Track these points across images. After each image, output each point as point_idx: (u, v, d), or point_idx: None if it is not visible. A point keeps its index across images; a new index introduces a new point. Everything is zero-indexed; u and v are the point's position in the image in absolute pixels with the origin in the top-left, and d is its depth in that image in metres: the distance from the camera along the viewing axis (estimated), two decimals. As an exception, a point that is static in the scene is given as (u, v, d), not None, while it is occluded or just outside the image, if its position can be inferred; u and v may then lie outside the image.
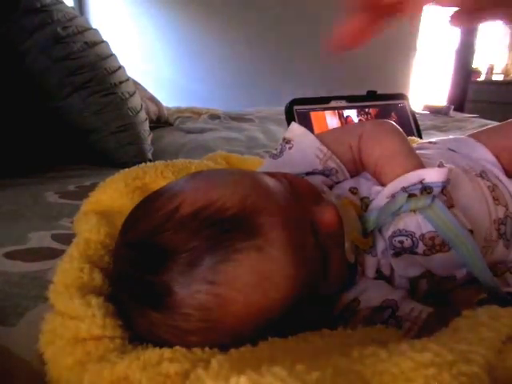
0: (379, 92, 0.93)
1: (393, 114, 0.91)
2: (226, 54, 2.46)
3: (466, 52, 2.32)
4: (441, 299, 0.41)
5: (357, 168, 0.44)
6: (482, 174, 0.44)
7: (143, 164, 0.51)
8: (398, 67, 2.62)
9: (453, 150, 0.50)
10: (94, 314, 0.29)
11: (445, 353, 0.21)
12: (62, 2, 1.02)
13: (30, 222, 0.58)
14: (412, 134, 0.91)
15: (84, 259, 0.35)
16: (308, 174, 0.42)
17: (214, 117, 1.60)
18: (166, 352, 0.27)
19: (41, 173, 0.90)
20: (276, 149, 0.46)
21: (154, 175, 0.48)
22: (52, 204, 0.67)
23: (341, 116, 0.89)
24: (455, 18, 0.28)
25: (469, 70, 2.43)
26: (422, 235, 0.36)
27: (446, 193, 0.38)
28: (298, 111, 0.85)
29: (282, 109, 0.87)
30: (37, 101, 0.93)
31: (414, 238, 0.36)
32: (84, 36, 0.98)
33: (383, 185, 0.39)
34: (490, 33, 2.79)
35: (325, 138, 0.44)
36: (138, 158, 0.95)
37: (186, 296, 0.27)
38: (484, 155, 0.49)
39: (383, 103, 0.92)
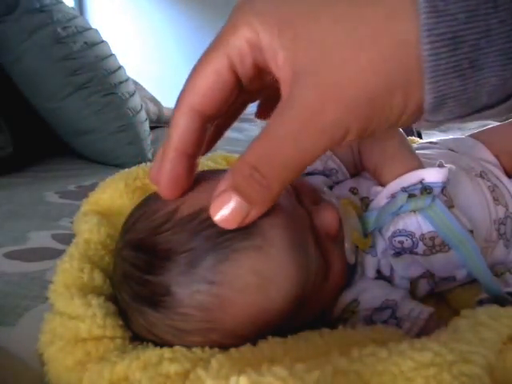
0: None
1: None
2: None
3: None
4: (441, 299, 0.41)
5: (357, 168, 0.44)
6: (482, 174, 0.44)
7: (143, 164, 0.51)
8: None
9: (453, 150, 0.50)
10: (95, 314, 0.29)
11: (445, 352, 0.21)
12: (62, 2, 1.02)
13: (30, 221, 0.58)
14: (412, 134, 0.91)
15: (84, 259, 0.35)
16: (308, 174, 0.42)
17: (213, 117, 1.59)
18: (166, 352, 0.27)
19: (41, 173, 0.91)
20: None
21: (154, 175, 0.48)
22: (52, 204, 0.67)
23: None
24: None
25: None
26: (422, 235, 0.36)
27: (445, 193, 0.38)
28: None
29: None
30: (37, 101, 0.93)
31: (414, 238, 0.36)
32: (84, 36, 0.98)
33: (383, 185, 0.39)
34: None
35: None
36: (138, 158, 0.95)
37: (186, 296, 0.27)
38: (484, 155, 0.49)
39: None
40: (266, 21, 0.20)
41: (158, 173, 0.27)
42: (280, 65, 0.21)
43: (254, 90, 0.26)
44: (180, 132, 0.25)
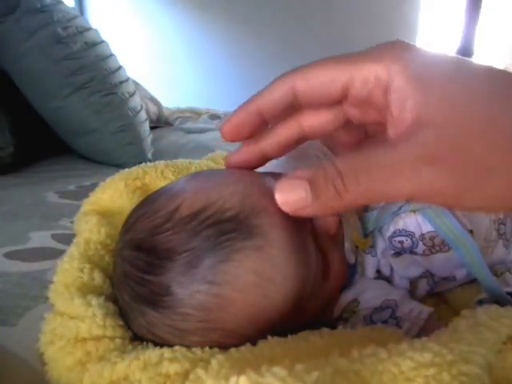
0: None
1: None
2: (227, 54, 2.46)
3: (466, 53, 2.34)
4: (441, 299, 0.41)
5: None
6: (482, 174, 0.44)
7: (143, 164, 0.51)
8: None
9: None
10: (95, 314, 0.29)
11: (445, 353, 0.21)
12: (62, 2, 1.02)
13: (30, 221, 0.58)
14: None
15: (84, 259, 0.35)
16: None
17: (214, 117, 1.60)
18: (166, 352, 0.27)
19: (41, 173, 0.91)
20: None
21: (154, 175, 0.48)
22: (52, 204, 0.67)
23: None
24: None
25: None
26: (422, 235, 0.36)
27: (445, 193, 0.38)
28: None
29: (282, 109, 0.87)
30: (37, 101, 0.93)
31: (414, 238, 0.36)
32: (84, 36, 0.98)
33: (383, 185, 0.39)
34: (490, 34, 2.79)
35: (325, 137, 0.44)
36: (138, 158, 0.95)
37: (186, 296, 0.28)
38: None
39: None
40: (407, 69, 0.23)
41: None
42: (406, 108, 0.22)
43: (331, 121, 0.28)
44: (269, 95, 0.27)
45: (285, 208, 0.24)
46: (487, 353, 0.22)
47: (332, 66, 0.25)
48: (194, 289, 0.27)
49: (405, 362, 0.21)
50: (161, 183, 0.47)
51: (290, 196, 0.23)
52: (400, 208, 0.36)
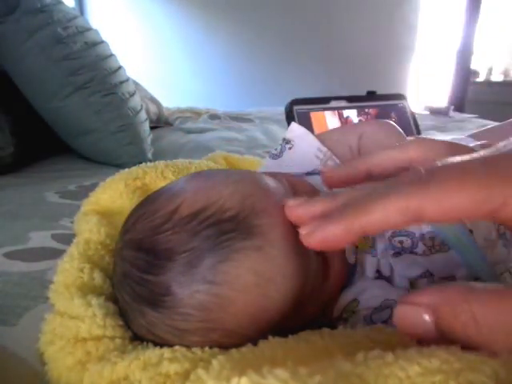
0: (379, 92, 0.94)
1: (392, 114, 0.91)
2: (227, 54, 2.46)
3: (465, 53, 2.34)
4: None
5: (357, 168, 0.44)
6: (482, 174, 0.44)
7: (143, 164, 0.51)
8: (398, 67, 2.62)
9: (453, 151, 0.49)
10: (95, 314, 0.29)
11: (452, 360, 0.21)
12: (62, 2, 1.02)
13: (30, 221, 0.58)
14: (412, 135, 0.91)
15: (84, 259, 0.35)
16: (308, 174, 0.42)
17: (213, 117, 1.60)
18: (166, 352, 0.27)
19: (41, 173, 0.91)
20: (276, 149, 0.46)
21: (154, 175, 0.48)
22: (52, 204, 0.67)
23: (341, 116, 0.89)
24: None
25: (469, 71, 2.45)
26: (422, 235, 0.36)
27: (445, 193, 0.38)
28: (298, 111, 0.85)
29: (282, 109, 0.87)
30: (37, 101, 0.93)
31: (414, 238, 0.36)
32: (84, 36, 0.98)
33: (383, 185, 0.39)
34: (490, 34, 2.80)
35: (325, 138, 0.44)
36: (138, 157, 0.95)
37: (186, 296, 0.28)
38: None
39: (383, 103, 0.92)
40: None
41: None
42: None
43: None
44: (378, 225, 0.22)
45: (402, 330, 0.20)
46: (495, 362, 0.22)
47: (469, 188, 0.19)
48: (193, 289, 0.27)
49: (412, 367, 0.21)
50: (161, 183, 0.47)
51: (411, 322, 0.20)
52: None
